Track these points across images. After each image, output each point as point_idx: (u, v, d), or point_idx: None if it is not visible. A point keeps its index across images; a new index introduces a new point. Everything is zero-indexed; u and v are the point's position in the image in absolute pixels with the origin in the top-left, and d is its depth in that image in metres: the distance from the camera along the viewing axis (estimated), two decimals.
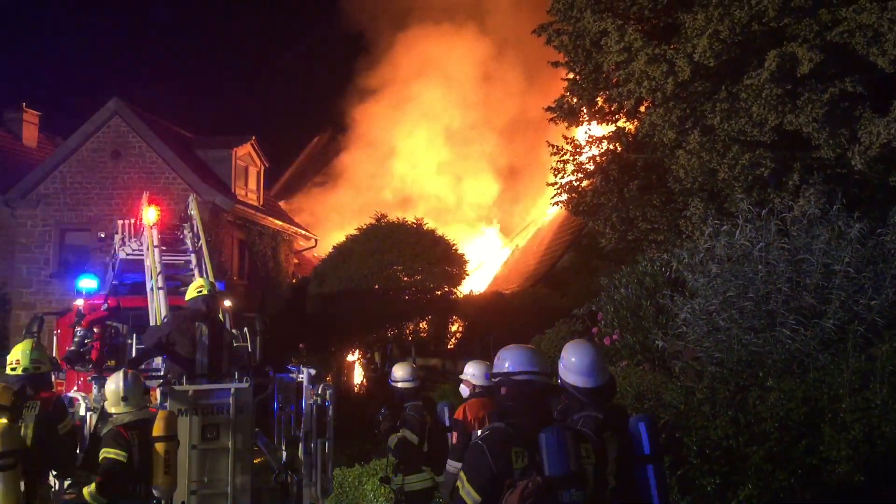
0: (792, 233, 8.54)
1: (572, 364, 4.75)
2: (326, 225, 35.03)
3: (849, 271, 7.88)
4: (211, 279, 10.49)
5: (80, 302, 11.87)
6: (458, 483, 3.92)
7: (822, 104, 10.02)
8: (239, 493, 7.39)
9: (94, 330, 10.25)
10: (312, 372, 8.33)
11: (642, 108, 12.72)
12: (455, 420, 7.13)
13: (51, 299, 22.21)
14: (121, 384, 6.32)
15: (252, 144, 28.07)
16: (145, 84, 51.35)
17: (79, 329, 10.49)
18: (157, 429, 6.23)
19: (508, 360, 4.19)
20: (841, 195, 9.17)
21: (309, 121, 51.35)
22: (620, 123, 14.06)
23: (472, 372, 7.27)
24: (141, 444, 6.18)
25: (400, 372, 8.10)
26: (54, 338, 12.63)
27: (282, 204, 34.92)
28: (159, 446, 6.18)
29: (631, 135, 13.61)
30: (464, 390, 7.45)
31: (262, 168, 28.85)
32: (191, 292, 8.35)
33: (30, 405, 6.09)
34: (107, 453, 6.04)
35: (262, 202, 28.68)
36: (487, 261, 34.36)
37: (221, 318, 9.83)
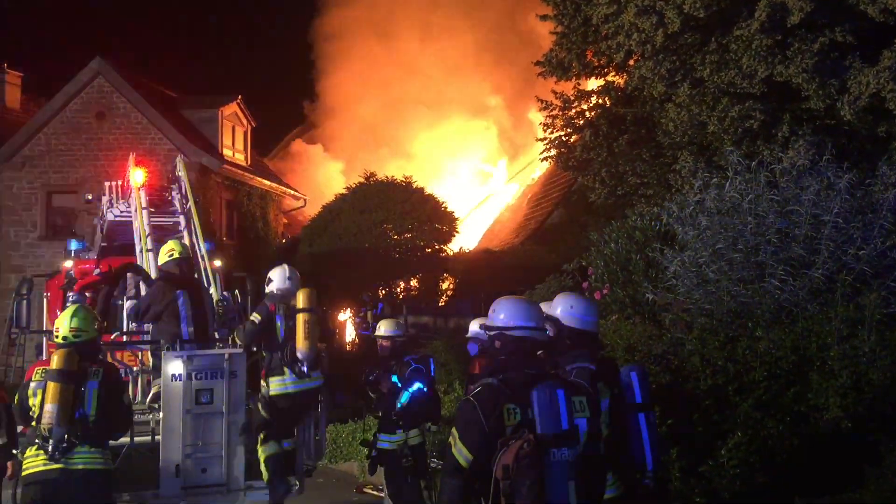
0: (781, 184, 8.56)
1: (577, 310, 4.79)
2: (317, 181, 34.63)
3: (838, 222, 7.91)
4: (201, 240, 10.45)
5: (69, 264, 11.82)
6: (451, 440, 3.89)
7: (811, 54, 9.98)
8: (233, 456, 7.44)
9: (87, 295, 10.22)
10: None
11: (632, 62, 12.63)
12: (470, 375, 7.20)
13: (39, 262, 22.06)
14: None
15: (238, 104, 27.77)
16: (128, 43, 50.59)
17: (70, 294, 10.45)
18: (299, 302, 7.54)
19: (503, 313, 4.13)
20: (830, 146, 9.18)
21: (296, 78, 50.84)
22: (610, 77, 13.98)
23: (478, 329, 7.31)
24: None
25: (391, 326, 8.15)
26: (44, 301, 12.59)
27: (270, 162, 34.65)
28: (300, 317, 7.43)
29: (620, 89, 13.54)
30: (472, 347, 7.50)
31: (250, 128, 28.59)
32: (162, 256, 8.27)
33: (94, 371, 6.00)
34: None
35: (249, 162, 28.47)
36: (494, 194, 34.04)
37: (211, 278, 9.81)
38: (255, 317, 7.75)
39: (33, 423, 5.89)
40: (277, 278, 7.90)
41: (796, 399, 6.62)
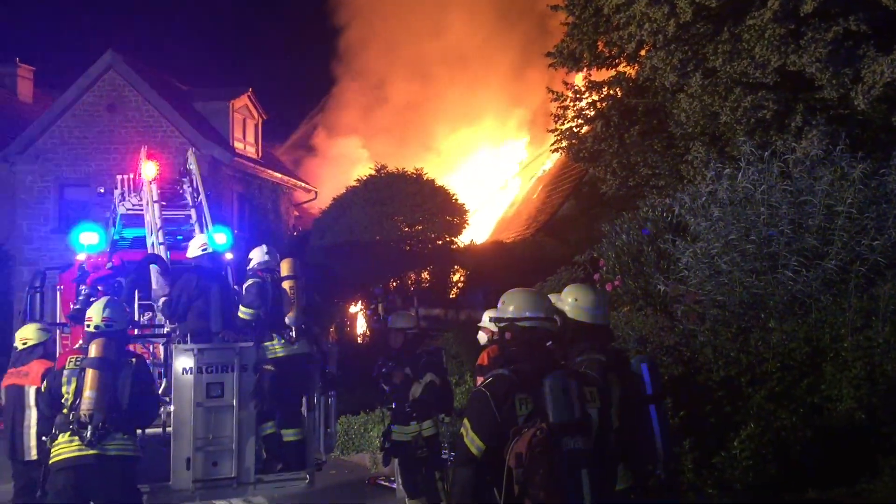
0: (794, 174, 8.51)
1: (581, 302, 4.75)
2: (331, 173, 34.42)
3: (851, 212, 7.87)
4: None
5: (82, 257, 11.86)
6: (463, 430, 3.90)
7: (825, 44, 9.89)
8: (243, 449, 7.47)
9: (99, 288, 10.27)
10: (315, 330, 8.39)
11: (643, 52, 12.56)
12: (478, 366, 7.22)
13: (52, 255, 22.17)
14: None
15: (249, 96, 27.80)
16: (139, 36, 50.70)
17: (83, 287, 10.51)
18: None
19: (513, 305, 4.14)
20: (844, 136, 9.11)
21: (306, 70, 50.78)
22: (621, 68, 13.91)
23: (488, 320, 7.29)
24: None
25: (404, 319, 8.18)
26: (57, 293, 12.65)
27: (282, 155, 34.60)
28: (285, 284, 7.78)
29: (631, 79, 13.47)
30: (482, 337, 7.51)
31: (261, 120, 28.61)
32: (194, 250, 8.34)
33: (127, 361, 6.12)
34: None
35: (260, 155, 28.51)
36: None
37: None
38: (251, 282, 7.96)
39: (64, 411, 5.95)
40: (257, 255, 8.24)
41: (810, 390, 6.59)
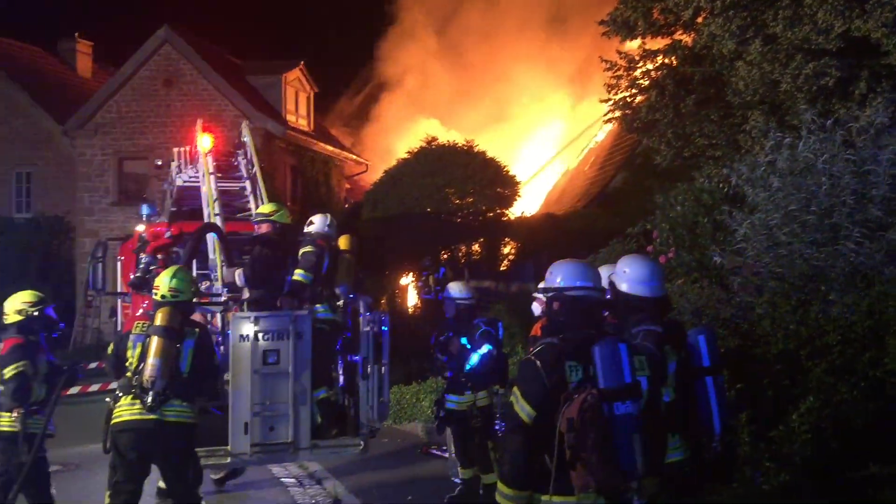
0: (858, 143, 8.27)
1: (630, 274, 4.71)
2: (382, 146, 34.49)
3: None
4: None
5: (141, 228, 12.15)
6: (513, 398, 3.95)
7: (892, 7, 9.55)
8: (299, 415, 7.61)
9: (159, 257, 10.52)
10: (369, 300, 8.47)
11: (700, 19, 12.28)
12: (531, 337, 7.24)
13: (112, 227, 22.76)
14: None
15: (301, 69, 27.98)
16: (193, 10, 51.19)
17: (143, 256, 10.77)
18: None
19: (560, 275, 4.17)
20: None
21: (359, 43, 50.79)
22: (676, 36, 13.63)
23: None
24: None
25: (460, 289, 8.21)
26: (118, 263, 13.00)
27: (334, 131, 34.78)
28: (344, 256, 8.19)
29: (688, 47, 13.20)
30: (536, 308, 7.51)
31: (312, 93, 28.80)
32: (284, 218, 8.61)
33: (190, 331, 6.27)
34: None
35: (312, 128, 28.72)
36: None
37: None
38: (310, 248, 8.20)
39: (128, 374, 6.14)
40: (319, 222, 8.56)
41: (872, 364, 6.43)
